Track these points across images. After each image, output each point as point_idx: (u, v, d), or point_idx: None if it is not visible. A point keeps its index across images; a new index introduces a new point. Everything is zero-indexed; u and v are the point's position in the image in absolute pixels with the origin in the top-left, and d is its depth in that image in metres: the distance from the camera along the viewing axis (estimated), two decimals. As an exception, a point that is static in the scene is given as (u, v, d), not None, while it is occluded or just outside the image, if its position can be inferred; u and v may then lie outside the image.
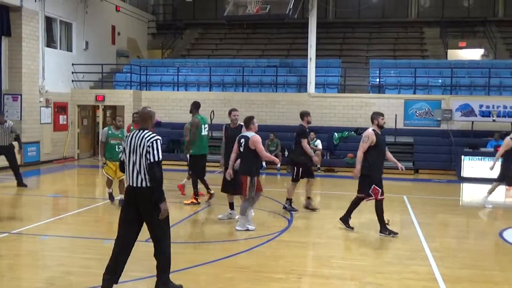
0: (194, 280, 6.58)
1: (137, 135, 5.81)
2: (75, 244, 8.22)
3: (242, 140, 9.19)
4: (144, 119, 5.97)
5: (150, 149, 5.65)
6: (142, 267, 7.12)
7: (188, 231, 9.44)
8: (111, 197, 11.50)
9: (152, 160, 5.65)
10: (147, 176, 5.70)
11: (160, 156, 5.71)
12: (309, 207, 11.20)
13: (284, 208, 11.09)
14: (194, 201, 11.52)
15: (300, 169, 10.98)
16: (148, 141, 5.69)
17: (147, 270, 6.99)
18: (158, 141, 5.73)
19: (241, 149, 9.18)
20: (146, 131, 5.80)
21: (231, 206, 10.03)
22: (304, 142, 10.87)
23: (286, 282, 6.57)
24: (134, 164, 5.75)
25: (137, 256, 7.64)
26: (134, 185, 5.77)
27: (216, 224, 9.71)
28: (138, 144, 5.73)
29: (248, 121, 9.32)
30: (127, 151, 5.84)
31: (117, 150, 10.84)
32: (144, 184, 5.73)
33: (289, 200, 11.13)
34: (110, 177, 11.30)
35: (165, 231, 5.96)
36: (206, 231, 9.45)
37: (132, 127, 12.85)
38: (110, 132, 11.22)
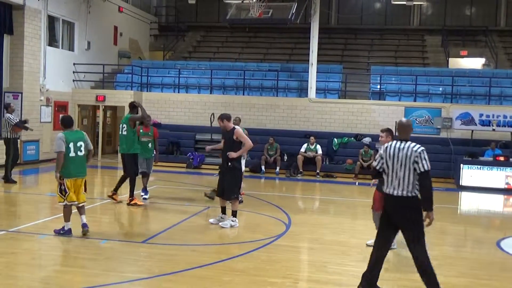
0: (191, 283, 6.57)
1: (400, 146, 6.10)
2: (72, 243, 8.20)
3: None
4: (405, 130, 6.29)
5: (419, 159, 5.94)
6: (139, 268, 7.12)
7: (186, 233, 9.43)
8: (69, 232, 8.57)
9: (423, 170, 5.92)
10: (411, 186, 5.96)
11: (429, 166, 5.97)
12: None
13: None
14: (136, 202, 11.43)
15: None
16: (416, 151, 5.98)
17: (144, 271, 6.99)
18: (425, 151, 6.02)
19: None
20: (410, 143, 6.10)
21: (223, 210, 9.99)
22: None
23: (282, 286, 6.57)
24: (397, 174, 6.04)
25: (134, 258, 7.65)
26: (397, 194, 6.02)
27: (214, 227, 9.70)
28: (406, 155, 6.01)
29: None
30: (390, 161, 6.12)
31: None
32: (406, 193, 5.99)
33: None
34: (73, 203, 8.57)
35: (420, 238, 6.06)
36: (203, 234, 9.44)
37: (141, 130, 12.16)
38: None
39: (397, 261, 7.93)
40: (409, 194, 5.99)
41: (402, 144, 6.11)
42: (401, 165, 6.03)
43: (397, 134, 6.42)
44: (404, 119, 6.53)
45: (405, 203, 6.02)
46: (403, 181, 6.00)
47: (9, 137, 14.05)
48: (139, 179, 11.83)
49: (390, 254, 8.22)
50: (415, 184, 5.98)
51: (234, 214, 9.81)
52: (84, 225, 8.54)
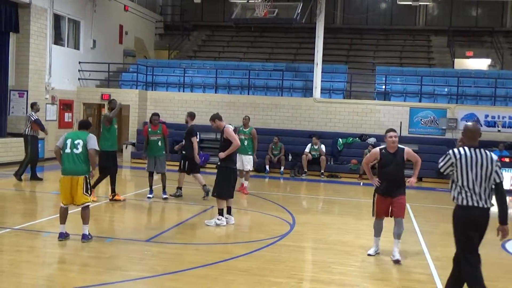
0: (194, 282, 6.57)
1: (476, 154, 5.73)
2: (76, 241, 8.21)
3: None
4: (473, 135, 5.86)
5: (498, 169, 5.74)
6: (143, 267, 7.12)
7: (189, 232, 9.44)
8: (64, 235, 8.15)
9: (502, 180, 5.76)
10: (491, 196, 5.75)
11: (503, 176, 5.84)
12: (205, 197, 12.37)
13: (173, 195, 12.47)
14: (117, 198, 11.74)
15: (187, 162, 12.39)
16: (495, 160, 5.76)
17: (148, 270, 7.00)
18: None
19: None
20: (483, 150, 5.78)
21: (228, 210, 9.98)
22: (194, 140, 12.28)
23: (286, 286, 6.56)
24: (480, 184, 5.71)
25: (138, 256, 7.66)
26: (485, 206, 5.74)
27: (217, 227, 9.69)
28: (486, 165, 5.71)
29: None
30: (469, 171, 5.72)
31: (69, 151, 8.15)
32: (487, 205, 5.74)
33: (179, 188, 12.65)
34: (63, 206, 8.14)
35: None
36: (207, 233, 9.44)
37: (150, 129, 12.29)
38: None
39: (395, 263, 7.90)
40: (491, 205, 5.75)
41: (477, 152, 5.74)
42: (482, 175, 5.70)
43: (464, 139, 5.93)
44: (470, 123, 5.98)
45: (487, 215, 5.75)
46: (486, 192, 5.72)
47: (28, 133, 14.10)
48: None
49: (388, 258, 8.21)
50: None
51: (219, 212, 9.77)
52: (83, 236, 8.10)
